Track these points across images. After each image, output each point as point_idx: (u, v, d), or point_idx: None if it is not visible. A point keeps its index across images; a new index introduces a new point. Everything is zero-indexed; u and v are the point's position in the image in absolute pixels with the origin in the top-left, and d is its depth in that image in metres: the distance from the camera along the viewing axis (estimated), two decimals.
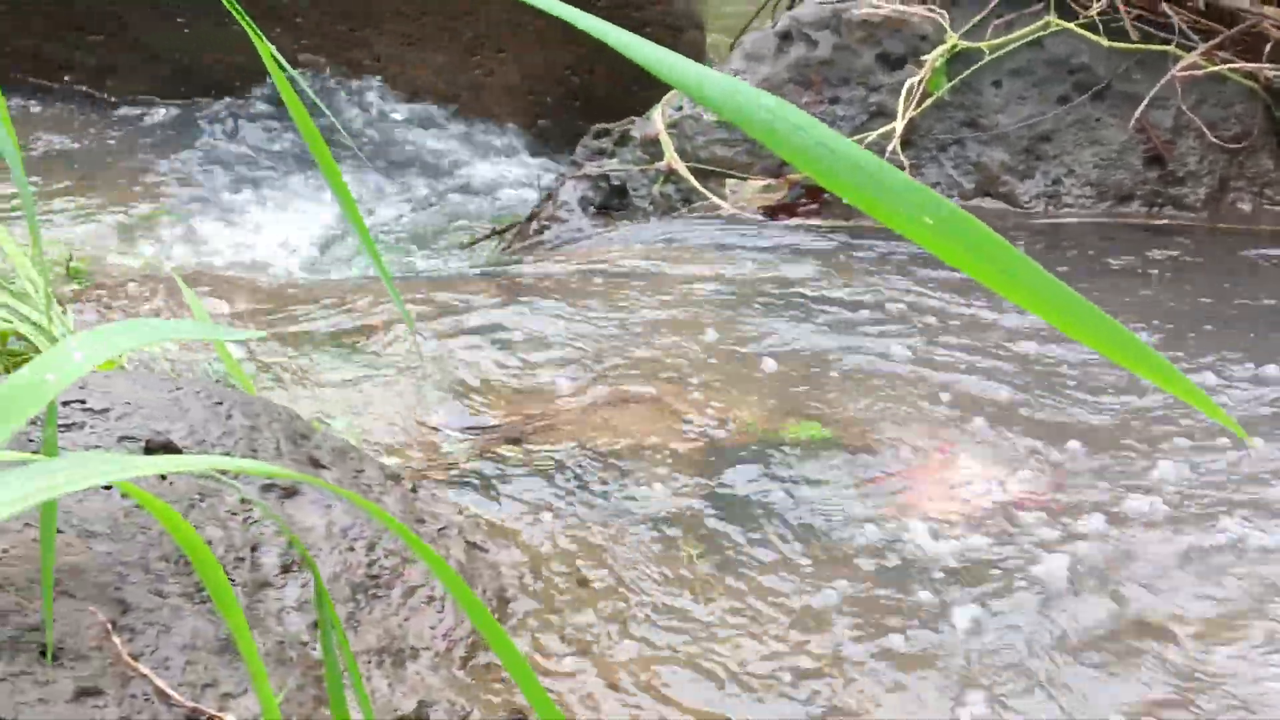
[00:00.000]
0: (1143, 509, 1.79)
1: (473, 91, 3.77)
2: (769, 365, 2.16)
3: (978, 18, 2.82)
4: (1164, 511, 1.78)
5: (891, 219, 0.61)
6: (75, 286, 2.51)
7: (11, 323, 2.14)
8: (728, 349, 2.22)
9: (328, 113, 1.34)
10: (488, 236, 3.24)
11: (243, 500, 1.45)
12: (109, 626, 1.20)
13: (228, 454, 1.51)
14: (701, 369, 2.15)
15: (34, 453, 1.37)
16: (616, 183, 2.96)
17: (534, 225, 3.04)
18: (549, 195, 3.07)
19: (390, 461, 1.93)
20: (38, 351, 2.13)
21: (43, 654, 1.13)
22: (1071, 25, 2.77)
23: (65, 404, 1.45)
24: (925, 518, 1.79)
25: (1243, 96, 2.74)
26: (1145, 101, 2.72)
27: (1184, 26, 2.72)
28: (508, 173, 3.66)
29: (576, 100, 3.80)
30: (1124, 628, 1.57)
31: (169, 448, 1.46)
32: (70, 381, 0.70)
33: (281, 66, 1.25)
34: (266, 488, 1.51)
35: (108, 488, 1.31)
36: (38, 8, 3.66)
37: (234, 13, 1.03)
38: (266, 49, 1.25)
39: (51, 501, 0.73)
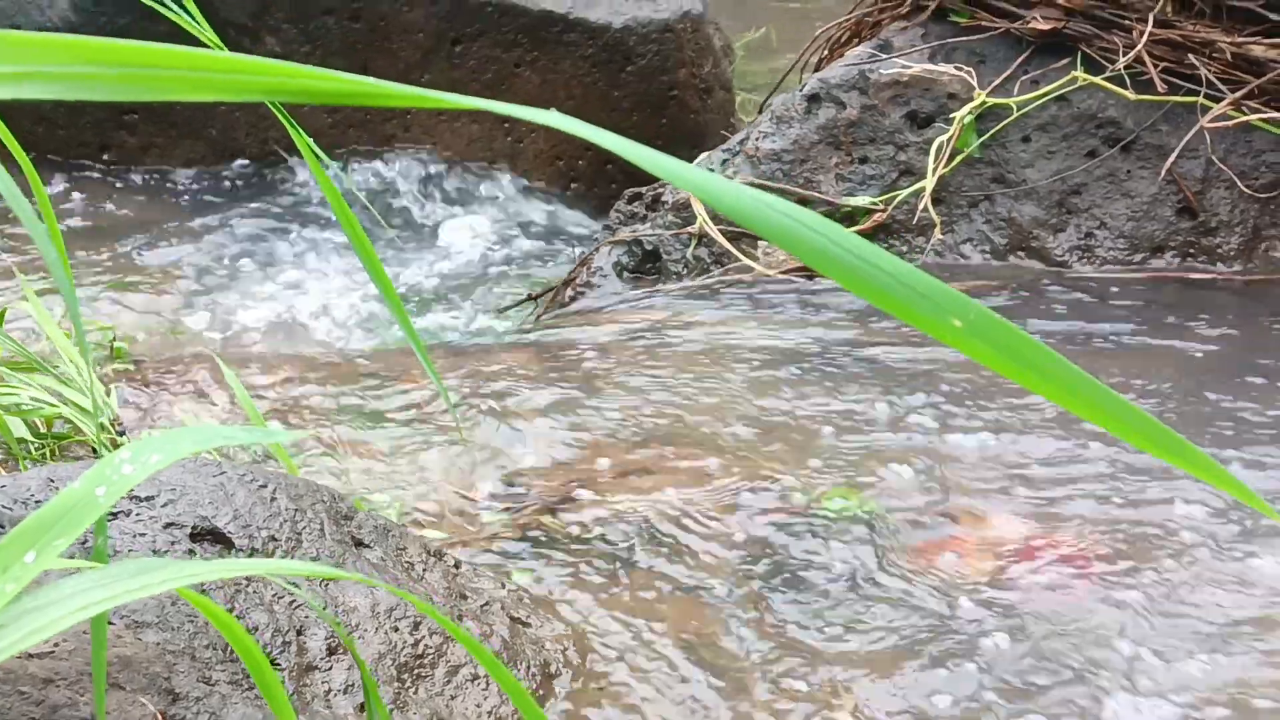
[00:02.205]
0: None
1: (507, 159, 3.80)
2: (809, 429, 2.17)
3: (1005, 74, 2.84)
4: None
5: (920, 321, 0.62)
6: (117, 366, 2.53)
7: (57, 407, 2.17)
8: (767, 413, 2.23)
9: (368, 205, 1.37)
10: (522, 302, 3.26)
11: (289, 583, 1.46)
12: (159, 716, 1.22)
13: (273, 537, 1.53)
14: (741, 435, 2.16)
15: (84, 544, 1.39)
16: (649, 247, 2.98)
17: (569, 291, 3.06)
18: (583, 260, 3.10)
19: (432, 535, 1.95)
20: (82, 434, 2.16)
21: None
22: (1098, 80, 2.78)
23: None
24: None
25: (1273, 145, 2.74)
26: (1175, 153, 2.73)
27: (1211, 77, 2.73)
28: (542, 238, 3.69)
29: (608, 164, 3.83)
30: None
31: (215, 534, 1.48)
32: (120, 495, 0.71)
33: (315, 153, 1.28)
34: None
35: None
36: None
37: (275, 112, 1.05)
38: (304, 140, 1.28)
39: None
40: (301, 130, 1.28)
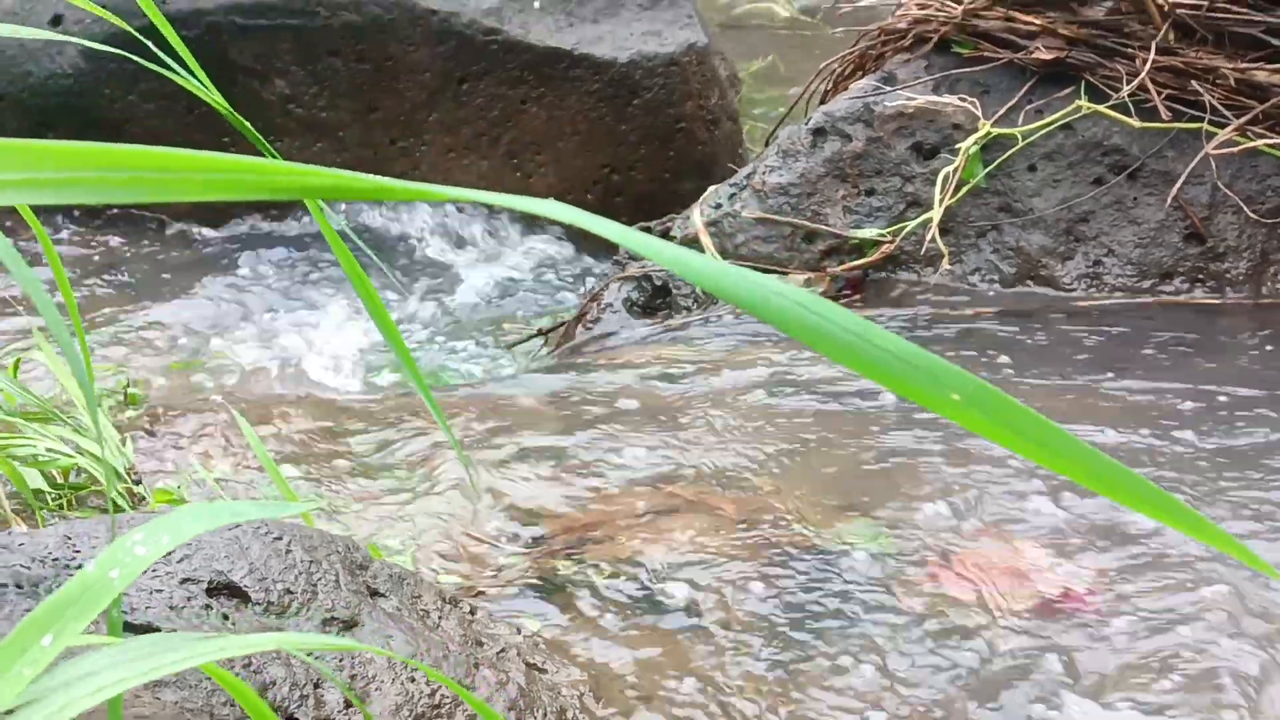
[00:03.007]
0: None
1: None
2: (823, 463, 2.17)
3: (1009, 104, 2.85)
4: None
5: (918, 396, 0.63)
6: (132, 414, 2.55)
7: (73, 457, 2.18)
8: (780, 449, 2.23)
9: (369, 252, 1.38)
10: (532, 337, 3.28)
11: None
12: None
13: (289, 590, 1.54)
14: (756, 472, 2.16)
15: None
16: (659, 282, 3.00)
17: (579, 326, 3.08)
18: (593, 296, 3.11)
19: (447, 580, 1.96)
20: (98, 483, 2.18)
21: None
22: (1103, 108, 2.79)
23: None
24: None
25: (1278, 170, 2.75)
26: (1181, 179, 2.73)
27: (1215, 103, 2.73)
28: (551, 274, 3.71)
29: (617, 197, 3.85)
30: None
31: (231, 588, 1.49)
32: (135, 577, 0.72)
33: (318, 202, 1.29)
34: (327, 622, 1.54)
35: None
36: (89, 135, 3.74)
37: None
38: (316, 206, 1.29)
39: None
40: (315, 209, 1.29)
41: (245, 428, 1.89)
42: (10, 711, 0.72)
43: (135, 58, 1.28)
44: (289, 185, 0.59)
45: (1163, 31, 2.79)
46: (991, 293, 2.78)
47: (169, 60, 1.30)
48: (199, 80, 1.30)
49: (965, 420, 0.65)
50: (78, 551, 1.47)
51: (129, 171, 0.56)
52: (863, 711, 1.63)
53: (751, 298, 0.65)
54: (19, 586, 1.41)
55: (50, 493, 2.15)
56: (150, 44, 1.33)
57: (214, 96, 1.26)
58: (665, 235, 3.05)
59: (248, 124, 1.26)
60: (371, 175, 0.63)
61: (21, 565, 1.44)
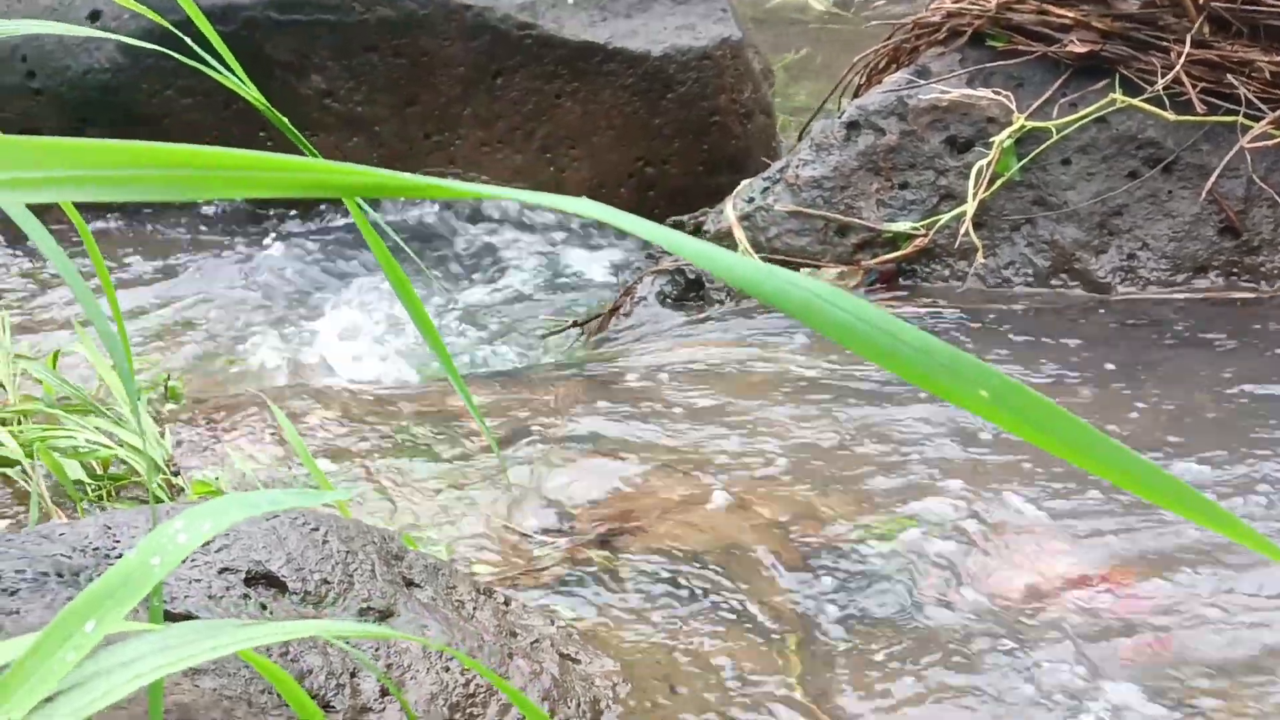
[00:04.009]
0: None
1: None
2: (857, 456, 2.18)
3: (1043, 98, 2.85)
4: None
5: (945, 392, 0.64)
6: (172, 406, 2.57)
7: (112, 448, 2.21)
8: (811, 443, 2.24)
9: (403, 245, 1.39)
10: (566, 329, 3.29)
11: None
12: None
13: (325, 580, 1.56)
14: (787, 465, 2.17)
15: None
16: (692, 275, 3.00)
17: (613, 320, 3.09)
18: (627, 289, 3.12)
19: (482, 570, 1.97)
20: (138, 475, 2.20)
21: None
22: (1137, 101, 2.78)
23: None
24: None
25: None
26: (1216, 173, 2.73)
27: (1251, 96, 2.73)
28: (585, 267, 3.72)
29: (651, 191, 3.85)
30: None
31: (269, 578, 1.51)
32: (176, 564, 0.74)
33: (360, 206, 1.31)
34: (363, 612, 1.56)
35: None
36: (126, 130, 3.77)
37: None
38: (353, 202, 1.30)
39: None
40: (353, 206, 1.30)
41: (283, 420, 1.91)
42: (53, 696, 0.74)
43: (173, 54, 1.30)
44: (326, 183, 0.61)
45: (1197, 24, 2.78)
46: (1025, 286, 2.78)
47: (206, 56, 1.31)
48: (236, 76, 1.31)
49: (993, 416, 0.65)
50: (118, 541, 1.49)
51: (166, 170, 0.58)
52: (896, 707, 1.63)
53: (774, 291, 0.66)
54: (60, 575, 1.43)
55: (90, 484, 2.17)
56: (188, 39, 1.35)
57: (251, 92, 1.27)
58: (698, 229, 3.06)
59: (284, 119, 1.28)
60: (407, 174, 0.64)
61: (63, 555, 1.46)
